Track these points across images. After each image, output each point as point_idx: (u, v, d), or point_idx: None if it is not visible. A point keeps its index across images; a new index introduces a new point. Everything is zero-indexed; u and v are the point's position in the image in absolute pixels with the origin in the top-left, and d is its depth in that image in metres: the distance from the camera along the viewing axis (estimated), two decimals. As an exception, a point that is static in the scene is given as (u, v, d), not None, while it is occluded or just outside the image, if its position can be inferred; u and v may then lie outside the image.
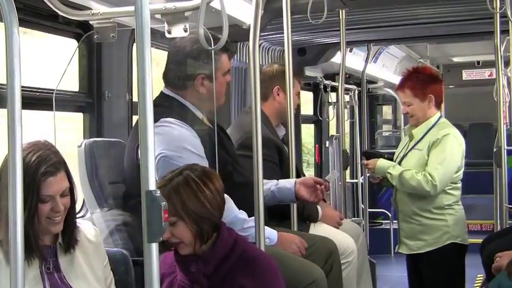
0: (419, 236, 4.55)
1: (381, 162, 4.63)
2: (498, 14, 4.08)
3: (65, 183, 2.59)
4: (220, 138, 3.26)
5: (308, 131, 8.62)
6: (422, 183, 4.37)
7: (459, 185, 4.63)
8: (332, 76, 7.86)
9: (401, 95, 4.67)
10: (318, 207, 4.09)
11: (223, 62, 3.40)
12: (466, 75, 11.74)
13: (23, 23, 1.85)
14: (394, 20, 5.16)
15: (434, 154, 4.42)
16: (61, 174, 2.56)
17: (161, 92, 3.42)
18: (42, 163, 2.51)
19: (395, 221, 4.92)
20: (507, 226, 4.73)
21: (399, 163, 4.63)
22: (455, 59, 10.82)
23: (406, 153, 4.64)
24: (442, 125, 4.59)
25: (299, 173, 4.12)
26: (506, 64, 5.00)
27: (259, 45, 3.20)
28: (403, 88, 4.62)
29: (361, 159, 5.28)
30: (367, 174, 5.01)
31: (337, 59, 6.86)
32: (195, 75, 3.37)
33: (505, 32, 4.24)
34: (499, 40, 4.33)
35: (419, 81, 4.55)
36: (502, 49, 4.64)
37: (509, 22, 3.05)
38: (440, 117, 4.62)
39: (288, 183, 3.65)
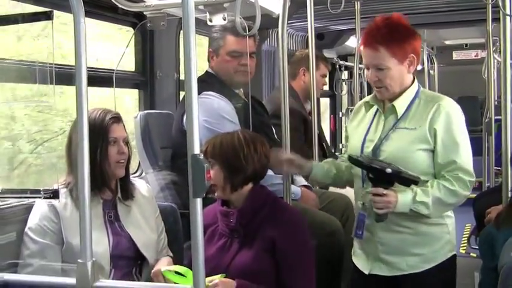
0: (412, 250, 2.71)
1: (403, 196, 2.59)
2: (490, 5, 3.98)
3: (125, 133, 2.69)
4: (255, 109, 3.24)
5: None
6: (459, 190, 2.63)
7: None
8: (344, 56, 7.82)
9: (370, 55, 2.68)
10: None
11: (227, 41, 3.31)
12: (456, 55, 11.66)
13: (88, 14, 1.84)
14: (400, 9, 5.07)
15: (453, 140, 2.64)
16: (121, 125, 2.68)
17: (206, 71, 3.40)
18: (108, 114, 2.64)
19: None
20: (495, 184, 4.65)
21: (376, 148, 2.70)
22: (447, 42, 10.73)
23: (387, 135, 2.70)
24: (430, 94, 2.83)
25: (321, 139, 4.11)
26: (493, 46, 4.89)
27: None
28: (374, 44, 2.64)
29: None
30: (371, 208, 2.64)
31: (350, 42, 6.84)
32: (208, 50, 3.38)
33: (495, 19, 4.13)
34: (491, 27, 4.22)
35: (397, 34, 2.64)
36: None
37: (500, 11, 2.97)
38: (419, 85, 2.81)
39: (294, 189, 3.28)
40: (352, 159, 2.68)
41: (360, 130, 2.82)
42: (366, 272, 2.79)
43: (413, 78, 2.76)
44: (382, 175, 2.56)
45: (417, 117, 2.69)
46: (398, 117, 2.72)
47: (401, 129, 2.70)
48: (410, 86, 2.75)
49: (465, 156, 2.66)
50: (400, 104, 2.73)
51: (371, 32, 2.69)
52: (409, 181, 2.58)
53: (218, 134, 2.73)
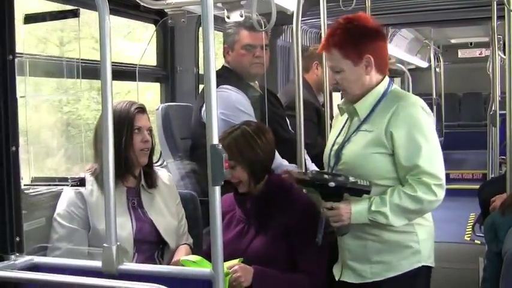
0: (376, 258, 2.46)
1: (357, 206, 2.37)
2: (495, 2, 3.91)
3: (149, 123, 2.69)
4: (270, 101, 3.22)
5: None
6: (422, 195, 2.32)
7: None
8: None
9: (326, 57, 2.58)
10: None
11: (241, 35, 3.26)
12: (461, 53, 11.70)
13: (112, 11, 1.84)
14: (408, 6, 5.03)
15: (414, 143, 2.34)
16: (146, 115, 2.68)
17: (222, 65, 3.38)
18: (133, 105, 2.65)
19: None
20: (499, 174, 4.60)
21: (339, 151, 2.49)
22: (453, 41, 10.71)
23: (349, 137, 2.48)
24: (396, 94, 2.49)
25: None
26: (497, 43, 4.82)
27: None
28: (328, 47, 2.46)
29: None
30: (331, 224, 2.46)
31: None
32: (224, 46, 3.34)
33: (500, 17, 4.08)
34: (496, 24, 4.16)
35: (350, 35, 2.41)
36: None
37: (505, 8, 2.93)
38: (391, 84, 2.53)
39: None
40: (297, 180, 2.50)
41: (333, 134, 2.63)
42: (336, 278, 2.57)
43: (383, 78, 2.49)
44: (327, 189, 2.36)
45: (378, 119, 2.42)
46: (361, 119, 2.46)
47: (362, 131, 2.45)
48: (376, 85, 2.47)
49: (429, 159, 2.34)
50: (362, 106, 2.48)
51: (328, 34, 2.48)
52: (357, 191, 2.36)
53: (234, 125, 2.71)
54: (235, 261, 2.42)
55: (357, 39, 2.41)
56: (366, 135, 2.42)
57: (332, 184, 2.34)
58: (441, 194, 2.34)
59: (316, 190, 2.44)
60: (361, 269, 2.48)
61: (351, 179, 2.35)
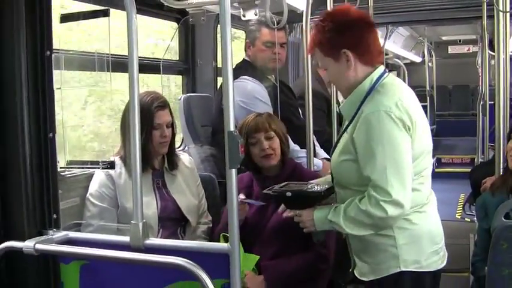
0: (363, 257, 2.13)
1: (318, 213, 2.08)
2: (485, 3, 3.85)
3: (170, 117, 2.61)
4: (284, 92, 3.19)
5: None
6: (371, 210, 1.92)
7: (424, 176, 2.09)
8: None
9: (316, 56, 2.16)
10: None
11: (262, 33, 3.23)
12: (451, 49, 11.63)
13: (138, 11, 1.82)
14: (406, 6, 4.99)
15: (368, 151, 1.94)
16: (167, 110, 2.59)
17: (243, 58, 3.33)
18: (155, 100, 2.55)
19: None
20: (489, 158, 4.55)
21: (331, 155, 2.18)
22: (444, 38, 10.63)
23: (338, 141, 2.13)
24: (375, 93, 2.02)
25: (341, 118, 4.04)
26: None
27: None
28: (311, 47, 2.13)
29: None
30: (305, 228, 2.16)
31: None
32: (246, 41, 3.31)
33: (489, 16, 4.01)
34: (486, 23, 4.08)
35: (326, 32, 2.06)
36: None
37: (494, 9, 2.88)
38: (382, 77, 2.07)
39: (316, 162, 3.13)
40: (262, 194, 2.35)
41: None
42: (350, 269, 2.23)
43: (373, 70, 2.08)
44: (288, 199, 2.16)
45: (354, 121, 2.03)
46: (347, 119, 2.09)
47: (345, 133, 2.07)
48: (362, 81, 2.06)
49: (381, 171, 1.91)
50: (345, 105, 2.12)
51: (312, 33, 2.16)
52: (308, 198, 2.14)
53: (253, 112, 2.70)
54: (252, 262, 2.38)
55: (332, 36, 2.05)
56: (345, 137, 2.07)
57: (289, 194, 2.15)
58: (393, 211, 1.91)
59: (281, 202, 2.24)
60: (358, 265, 2.16)
61: (310, 185, 2.19)
